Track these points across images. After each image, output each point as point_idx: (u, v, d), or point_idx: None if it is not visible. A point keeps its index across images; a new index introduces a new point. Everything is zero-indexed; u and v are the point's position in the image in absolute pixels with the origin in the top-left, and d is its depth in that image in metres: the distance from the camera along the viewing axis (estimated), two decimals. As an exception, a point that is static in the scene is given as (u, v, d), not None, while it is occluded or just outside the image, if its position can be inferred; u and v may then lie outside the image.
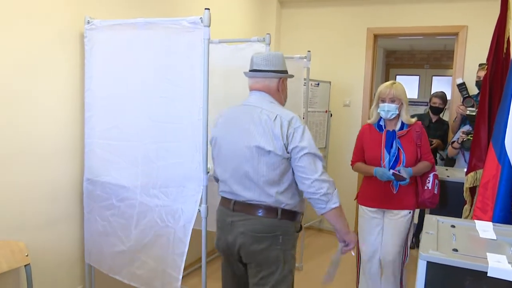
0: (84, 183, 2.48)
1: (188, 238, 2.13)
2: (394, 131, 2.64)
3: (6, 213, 2.11)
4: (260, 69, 1.92)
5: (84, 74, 2.44)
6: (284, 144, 1.79)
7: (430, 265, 1.48)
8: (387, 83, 2.67)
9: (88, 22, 2.38)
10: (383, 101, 2.61)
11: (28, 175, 2.20)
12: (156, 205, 2.24)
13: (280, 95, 1.97)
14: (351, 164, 2.83)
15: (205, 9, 1.98)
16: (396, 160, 2.60)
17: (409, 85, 8.39)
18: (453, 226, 1.84)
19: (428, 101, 4.20)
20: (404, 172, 2.55)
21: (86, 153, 2.47)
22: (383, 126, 2.69)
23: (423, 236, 1.69)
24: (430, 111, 4.11)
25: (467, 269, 1.41)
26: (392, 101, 2.59)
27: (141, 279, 2.31)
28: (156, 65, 2.23)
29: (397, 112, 2.60)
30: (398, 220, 2.67)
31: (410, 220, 2.68)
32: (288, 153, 1.80)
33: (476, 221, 1.91)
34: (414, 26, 4.33)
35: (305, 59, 3.65)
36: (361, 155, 2.76)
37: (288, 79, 2.03)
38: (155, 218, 2.23)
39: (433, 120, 4.07)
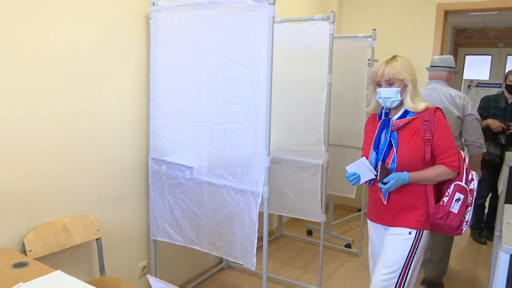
0: (150, 163, 2.55)
1: (257, 216, 2.20)
2: (389, 119, 1.98)
3: (79, 188, 2.22)
4: (437, 65, 2.98)
5: (149, 56, 2.49)
6: (461, 111, 2.81)
7: (514, 259, 1.37)
8: (382, 59, 1.97)
9: (154, 4, 2.40)
10: (379, 85, 1.96)
11: (96, 154, 2.29)
12: (223, 185, 2.29)
13: (449, 82, 2.97)
14: None
15: (270, -14, 1.93)
16: (384, 160, 1.95)
17: (480, 65, 7.85)
18: (537, 217, 1.70)
19: (504, 80, 3.85)
20: (386, 170, 1.90)
21: (151, 133, 2.53)
22: (387, 115, 2.05)
23: (505, 227, 1.57)
24: (505, 91, 3.77)
25: (560, 265, 1.29)
26: (390, 83, 1.92)
27: (222, 250, 2.40)
28: (220, 45, 2.22)
29: (401, 98, 1.93)
30: (395, 238, 2.00)
31: (412, 243, 1.94)
32: (463, 117, 2.83)
33: None
34: (490, 0, 4.00)
35: (369, 39, 3.50)
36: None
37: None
38: (225, 197, 2.29)
39: (510, 101, 3.73)
